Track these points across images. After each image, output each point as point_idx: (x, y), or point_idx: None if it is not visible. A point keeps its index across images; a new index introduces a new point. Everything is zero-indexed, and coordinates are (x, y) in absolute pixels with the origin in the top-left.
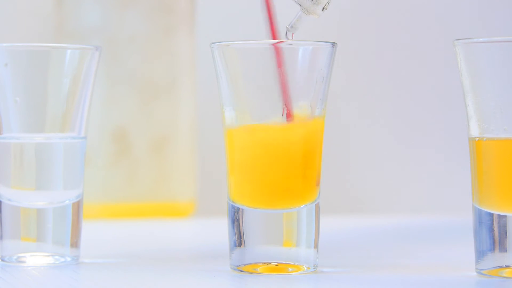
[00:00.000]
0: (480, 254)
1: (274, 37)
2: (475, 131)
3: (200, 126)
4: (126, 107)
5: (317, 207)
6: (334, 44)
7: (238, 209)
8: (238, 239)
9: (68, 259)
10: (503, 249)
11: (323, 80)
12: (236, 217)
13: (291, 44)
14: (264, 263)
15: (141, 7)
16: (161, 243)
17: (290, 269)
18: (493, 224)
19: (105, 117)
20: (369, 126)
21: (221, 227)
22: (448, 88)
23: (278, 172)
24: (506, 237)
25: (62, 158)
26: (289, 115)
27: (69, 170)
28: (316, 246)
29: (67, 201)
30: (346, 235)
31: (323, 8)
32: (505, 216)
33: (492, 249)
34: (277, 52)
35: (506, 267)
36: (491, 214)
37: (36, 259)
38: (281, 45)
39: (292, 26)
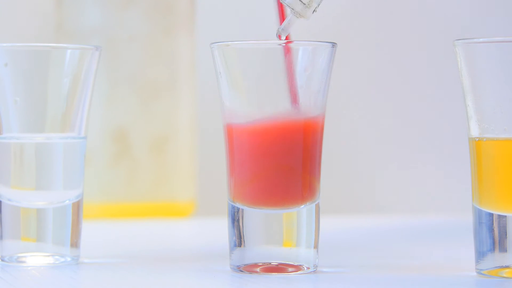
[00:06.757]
0: (480, 254)
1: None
2: (475, 131)
3: (200, 126)
4: (126, 107)
5: (317, 207)
6: (334, 44)
7: (238, 209)
8: (238, 239)
9: (68, 259)
10: (503, 249)
11: (323, 80)
12: (236, 217)
13: (282, 44)
14: (264, 263)
15: (141, 7)
16: (161, 243)
17: (290, 269)
18: (493, 224)
19: (105, 117)
20: (369, 126)
21: (221, 227)
22: (448, 88)
23: (278, 172)
24: (506, 237)
25: (62, 158)
26: (294, 101)
27: (69, 170)
28: (316, 246)
29: (67, 201)
30: (346, 235)
31: (313, 11)
32: (505, 216)
33: (492, 249)
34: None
35: (506, 267)
36: (491, 214)
37: (36, 259)
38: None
39: (283, 29)
